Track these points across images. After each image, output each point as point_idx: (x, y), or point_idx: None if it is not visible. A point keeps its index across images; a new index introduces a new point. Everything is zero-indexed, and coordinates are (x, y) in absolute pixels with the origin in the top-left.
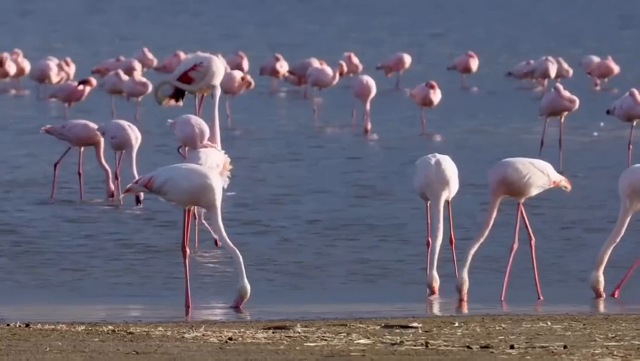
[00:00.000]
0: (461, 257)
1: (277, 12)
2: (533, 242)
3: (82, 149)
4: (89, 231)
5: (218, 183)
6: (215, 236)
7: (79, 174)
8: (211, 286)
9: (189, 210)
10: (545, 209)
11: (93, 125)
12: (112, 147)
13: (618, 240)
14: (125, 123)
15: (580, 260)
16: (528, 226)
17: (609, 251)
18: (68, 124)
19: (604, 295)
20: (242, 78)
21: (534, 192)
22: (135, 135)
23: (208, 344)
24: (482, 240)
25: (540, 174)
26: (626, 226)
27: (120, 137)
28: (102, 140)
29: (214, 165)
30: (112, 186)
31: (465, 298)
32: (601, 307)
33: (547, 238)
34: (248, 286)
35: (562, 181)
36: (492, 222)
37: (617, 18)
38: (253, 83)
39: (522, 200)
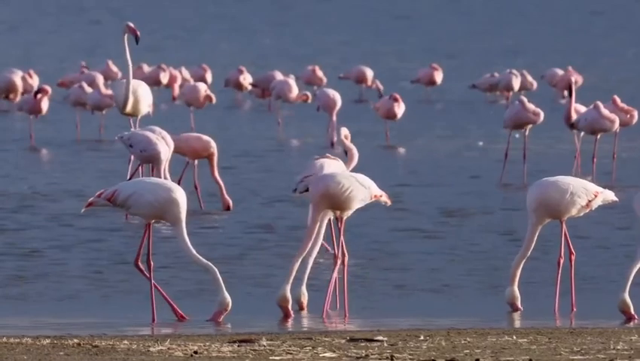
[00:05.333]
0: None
1: (242, 24)
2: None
3: (196, 162)
4: (55, 241)
5: (183, 197)
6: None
7: (195, 187)
8: (179, 299)
9: (149, 224)
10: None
11: (208, 138)
12: (140, 159)
13: (528, 254)
14: (153, 136)
15: (540, 272)
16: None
17: (520, 266)
18: (183, 135)
19: (521, 309)
20: (209, 98)
21: (355, 206)
22: (164, 149)
23: (174, 358)
24: (304, 254)
25: (362, 188)
26: (535, 240)
27: (150, 150)
28: (216, 152)
29: None
30: (228, 198)
31: (291, 314)
32: (567, 321)
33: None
34: (229, 299)
35: (383, 197)
36: (313, 237)
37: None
38: (214, 99)
39: (345, 215)
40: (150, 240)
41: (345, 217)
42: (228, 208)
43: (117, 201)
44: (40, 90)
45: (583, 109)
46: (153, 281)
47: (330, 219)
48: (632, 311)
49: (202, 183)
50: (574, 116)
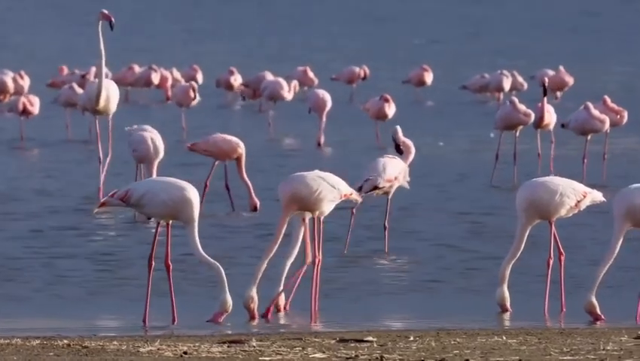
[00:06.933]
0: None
1: (233, 25)
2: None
3: (227, 162)
4: (45, 241)
5: (196, 196)
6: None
7: (227, 187)
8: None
9: (159, 223)
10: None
11: (236, 139)
12: (134, 159)
13: (518, 255)
14: (147, 136)
15: (530, 273)
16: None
17: (509, 267)
18: (211, 138)
19: (510, 310)
20: (193, 89)
21: (325, 207)
22: (156, 149)
23: (163, 358)
24: (270, 255)
25: (331, 189)
26: (524, 240)
27: (140, 150)
28: (244, 154)
29: (392, 175)
30: (255, 200)
31: (256, 316)
32: (557, 322)
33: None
34: (230, 301)
35: (353, 195)
36: (280, 239)
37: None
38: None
39: (317, 215)
40: (156, 240)
41: (322, 217)
42: (255, 209)
43: (130, 200)
44: (24, 110)
45: (551, 109)
46: (150, 282)
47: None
48: (599, 312)
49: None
50: (546, 118)
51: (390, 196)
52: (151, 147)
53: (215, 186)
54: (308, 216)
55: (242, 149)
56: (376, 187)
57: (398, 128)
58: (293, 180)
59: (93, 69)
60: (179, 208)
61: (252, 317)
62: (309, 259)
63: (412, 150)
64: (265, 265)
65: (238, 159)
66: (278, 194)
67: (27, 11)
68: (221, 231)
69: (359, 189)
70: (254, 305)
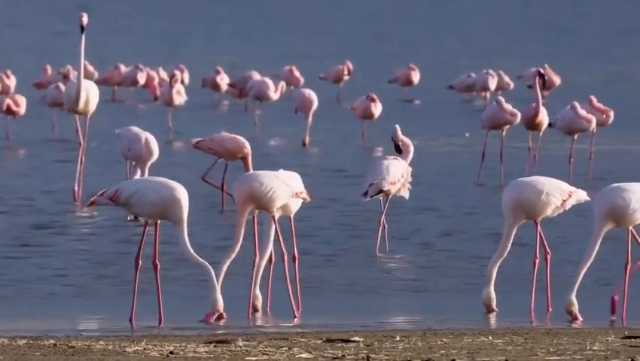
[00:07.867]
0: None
1: (218, 27)
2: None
3: (229, 161)
4: (32, 241)
5: (186, 196)
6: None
7: (222, 186)
8: (155, 300)
9: (147, 223)
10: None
11: (242, 139)
12: (126, 157)
13: (505, 255)
14: (142, 135)
15: (518, 272)
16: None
17: (496, 267)
18: (216, 137)
19: (496, 310)
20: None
21: (279, 205)
22: (150, 149)
23: (150, 358)
24: (233, 256)
25: (284, 187)
26: (511, 240)
27: (134, 149)
28: (250, 153)
29: (395, 177)
30: None
31: (223, 316)
32: (543, 322)
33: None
34: (221, 301)
35: (303, 193)
36: (241, 239)
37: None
38: (180, 83)
39: (275, 214)
40: (144, 240)
41: (275, 216)
42: None
43: (119, 200)
44: (9, 109)
45: (544, 110)
46: (137, 281)
47: (251, 219)
48: (577, 312)
49: (200, 185)
50: (540, 116)
51: (390, 196)
52: (145, 146)
53: (209, 186)
54: (277, 216)
55: (247, 149)
56: (381, 191)
57: (397, 127)
58: (247, 179)
59: (68, 67)
60: (168, 208)
61: (219, 318)
62: (257, 257)
63: (411, 148)
64: (227, 266)
65: (244, 159)
66: (234, 193)
67: (19, 8)
68: (213, 230)
69: (365, 194)
70: (220, 307)
